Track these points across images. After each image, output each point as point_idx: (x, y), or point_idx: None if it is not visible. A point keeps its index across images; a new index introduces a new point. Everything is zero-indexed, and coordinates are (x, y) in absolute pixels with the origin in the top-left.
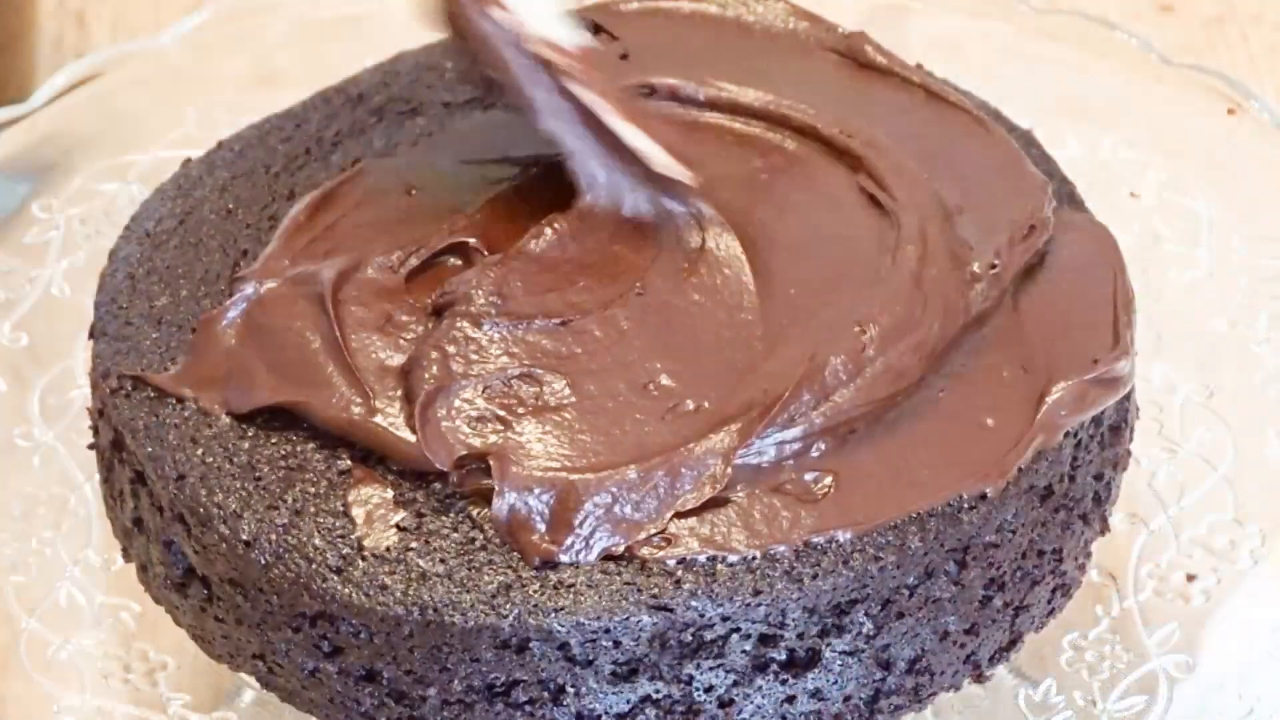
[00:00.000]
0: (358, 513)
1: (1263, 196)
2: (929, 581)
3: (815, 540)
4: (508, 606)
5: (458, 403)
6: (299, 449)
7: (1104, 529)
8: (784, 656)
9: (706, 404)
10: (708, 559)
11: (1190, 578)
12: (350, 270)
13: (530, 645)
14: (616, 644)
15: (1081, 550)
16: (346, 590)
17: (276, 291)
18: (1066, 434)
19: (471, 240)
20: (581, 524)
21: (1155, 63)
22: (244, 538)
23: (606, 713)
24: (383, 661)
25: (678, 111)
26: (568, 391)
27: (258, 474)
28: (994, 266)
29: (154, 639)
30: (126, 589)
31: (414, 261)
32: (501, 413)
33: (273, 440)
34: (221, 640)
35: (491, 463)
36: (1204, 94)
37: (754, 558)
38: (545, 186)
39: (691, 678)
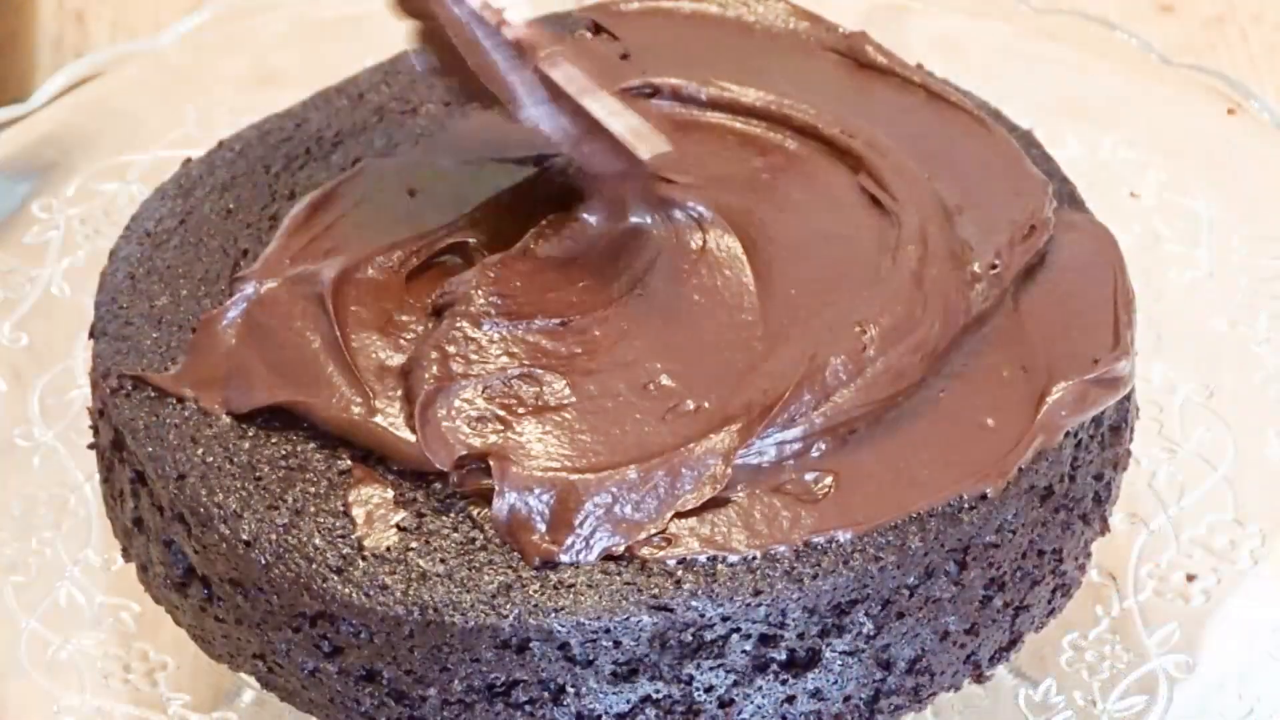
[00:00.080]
0: (358, 513)
1: (1263, 196)
2: (929, 581)
3: (815, 540)
4: (508, 606)
5: (458, 403)
6: (299, 449)
7: (1104, 529)
8: (784, 656)
9: (707, 404)
10: (708, 559)
11: (1190, 578)
12: (350, 270)
13: (530, 645)
14: (617, 644)
15: (1081, 550)
16: (346, 590)
17: (276, 291)
18: (1067, 434)
19: (471, 240)
20: (582, 524)
21: (1155, 63)
22: (244, 537)
23: (606, 713)
24: (383, 661)
25: (679, 111)
26: (568, 391)
27: (258, 474)
28: (994, 266)
29: (154, 639)
30: (126, 589)
31: (414, 261)
32: (501, 413)
33: (273, 440)
34: (221, 640)
35: (491, 463)
36: (1204, 94)
37: (754, 558)
38: (545, 186)
39: (691, 678)
